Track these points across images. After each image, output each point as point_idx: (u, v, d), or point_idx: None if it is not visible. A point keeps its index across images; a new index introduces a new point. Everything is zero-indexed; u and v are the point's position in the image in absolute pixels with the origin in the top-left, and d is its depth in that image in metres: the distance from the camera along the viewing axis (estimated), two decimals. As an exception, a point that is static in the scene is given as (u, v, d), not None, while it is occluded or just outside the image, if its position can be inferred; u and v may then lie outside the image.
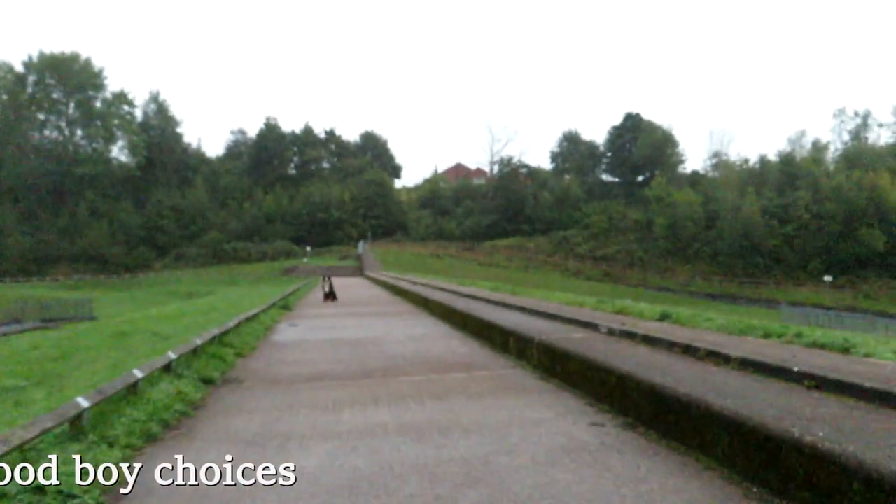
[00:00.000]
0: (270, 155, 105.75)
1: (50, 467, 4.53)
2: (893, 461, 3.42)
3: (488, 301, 16.45)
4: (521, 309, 13.70)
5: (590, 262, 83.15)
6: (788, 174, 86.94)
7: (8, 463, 4.46)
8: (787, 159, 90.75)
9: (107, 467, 4.87)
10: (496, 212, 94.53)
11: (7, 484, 4.26)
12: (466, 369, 9.44)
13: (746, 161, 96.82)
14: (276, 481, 4.78)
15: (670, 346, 7.39)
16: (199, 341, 10.23)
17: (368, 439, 5.89)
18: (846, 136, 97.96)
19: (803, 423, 4.18)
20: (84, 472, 4.63)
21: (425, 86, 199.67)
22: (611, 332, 9.06)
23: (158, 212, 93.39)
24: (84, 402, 5.82)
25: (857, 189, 75.44)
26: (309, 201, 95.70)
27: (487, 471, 4.88)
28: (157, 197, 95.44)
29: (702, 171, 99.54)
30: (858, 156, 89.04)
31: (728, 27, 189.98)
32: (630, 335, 8.47)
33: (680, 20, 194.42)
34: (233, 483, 4.81)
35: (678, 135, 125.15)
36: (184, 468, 5.11)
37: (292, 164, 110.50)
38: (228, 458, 5.38)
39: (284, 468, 4.96)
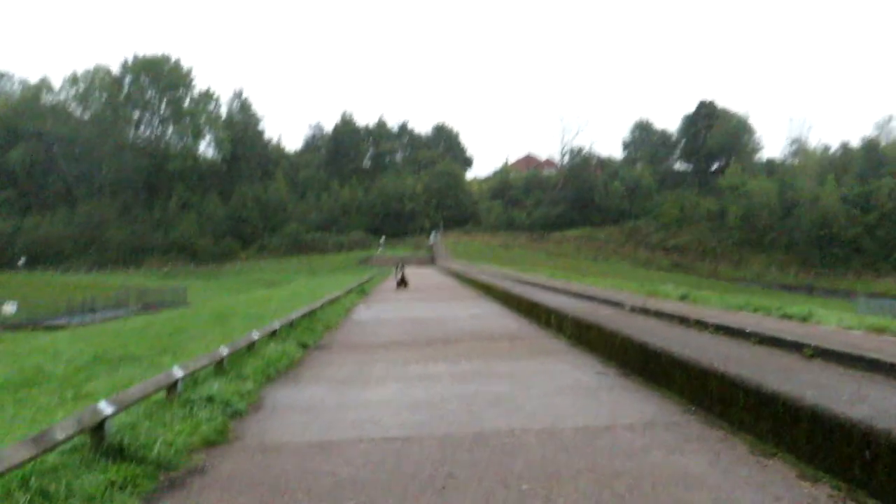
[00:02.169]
0: (346, 148, 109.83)
1: (213, 388, 6.80)
2: (767, 377, 5.18)
3: (543, 287, 18.28)
4: (568, 293, 15.50)
5: (660, 252, 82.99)
6: (872, 161, 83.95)
7: (185, 385, 6.74)
8: (870, 145, 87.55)
9: (248, 390, 7.13)
10: (566, 202, 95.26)
11: (189, 396, 6.51)
12: (511, 339, 11.40)
13: (827, 148, 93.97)
14: (362, 401, 6.90)
15: (671, 318, 9.15)
16: (294, 315, 12.58)
17: (427, 381, 7.95)
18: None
19: (726, 362, 5.95)
20: (234, 391, 6.86)
21: (497, 77, 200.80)
22: (632, 310, 10.83)
23: (242, 204, 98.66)
24: (224, 350, 8.13)
25: (945, 175, 72.41)
26: (383, 193, 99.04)
27: (508, 399, 6.85)
28: (241, 190, 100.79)
29: (779, 159, 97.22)
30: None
31: (809, 8, 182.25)
32: (645, 311, 10.23)
33: (756, 3, 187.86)
34: (333, 403, 6.95)
35: (755, 122, 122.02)
36: (297, 394, 7.32)
37: (367, 157, 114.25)
38: (327, 390, 7.55)
39: (366, 395, 7.09)
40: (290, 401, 7.11)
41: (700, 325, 8.27)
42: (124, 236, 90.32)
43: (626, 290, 14.72)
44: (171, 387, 6.44)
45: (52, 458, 4.44)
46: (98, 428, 4.79)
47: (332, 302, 17.61)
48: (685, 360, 6.34)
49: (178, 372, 6.59)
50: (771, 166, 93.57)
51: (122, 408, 5.21)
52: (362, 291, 25.30)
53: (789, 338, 6.40)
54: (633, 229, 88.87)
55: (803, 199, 78.45)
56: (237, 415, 6.36)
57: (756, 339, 6.92)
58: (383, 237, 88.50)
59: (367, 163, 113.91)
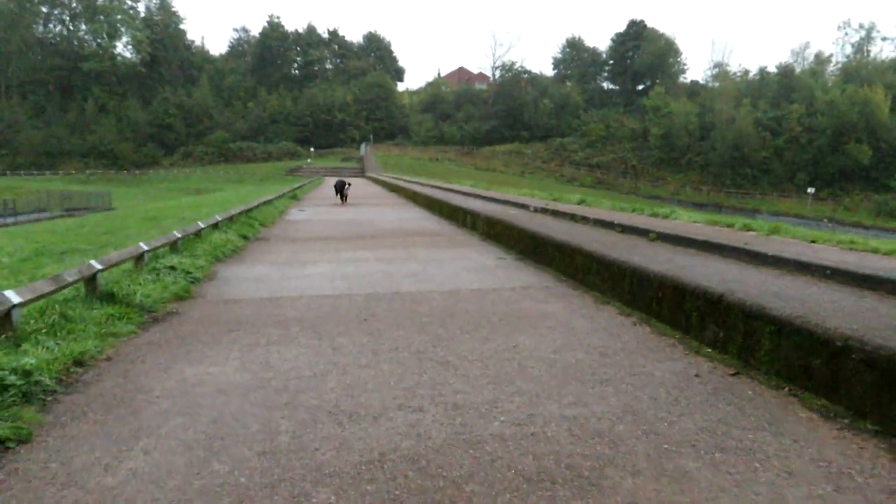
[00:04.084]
0: (274, 55, 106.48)
1: (173, 260, 8.07)
2: (615, 252, 6.86)
3: (464, 194, 19.83)
4: (485, 198, 17.10)
5: (585, 169, 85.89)
6: (786, 87, 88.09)
7: (150, 258, 7.98)
8: (786, 71, 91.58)
9: (201, 265, 8.43)
10: (496, 117, 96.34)
11: (154, 265, 7.76)
12: (431, 235, 12.95)
13: (746, 73, 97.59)
14: (301, 275, 8.33)
15: (563, 216, 10.84)
16: (234, 211, 13.71)
17: (356, 262, 9.41)
18: (849, 50, 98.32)
19: (590, 243, 7.64)
20: (191, 265, 8.15)
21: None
22: (535, 210, 12.50)
23: (165, 110, 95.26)
24: (178, 234, 9.33)
25: (849, 104, 77.11)
26: (312, 103, 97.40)
27: (422, 273, 8.40)
28: (163, 95, 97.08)
29: (702, 82, 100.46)
30: (857, 70, 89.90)
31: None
32: (544, 211, 11.90)
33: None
34: (276, 276, 8.35)
35: (681, 44, 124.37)
36: (244, 270, 8.67)
37: (295, 65, 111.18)
38: (271, 268, 8.92)
39: (305, 271, 8.51)
40: (239, 274, 8.46)
41: (583, 220, 9.98)
42: (39, 139, 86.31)
43: (536, 197, 16.43)
44: (139, 258, 7.67)
45: (61, 297, 5.71)
46: (92, 279, 6.05)
47: (266, 203, 18.67)
48: (561, 242, 8.00)
49: (144, 246, 7.81)
50: (693, 88, 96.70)
51: (107, 266, 6.46)
52: (294, 197, 26.29)
53: (642, 226, 8.14)
54: (560, 146, 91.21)
55: (720, 121, 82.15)
56: (196, 281, 7.68)
57: (619, 228, 8.66)
58: (312, 149, 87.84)
59: (295, 71, 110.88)
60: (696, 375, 4.19)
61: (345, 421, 3.50)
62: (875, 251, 5.90)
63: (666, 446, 3.14)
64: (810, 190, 70.26)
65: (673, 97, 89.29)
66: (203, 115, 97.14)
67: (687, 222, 9.03)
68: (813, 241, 6.65)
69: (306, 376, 4.26)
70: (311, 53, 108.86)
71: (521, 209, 13.13)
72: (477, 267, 8.95)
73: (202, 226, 10.85)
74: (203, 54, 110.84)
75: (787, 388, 3.84)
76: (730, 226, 8.24)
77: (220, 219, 12.24)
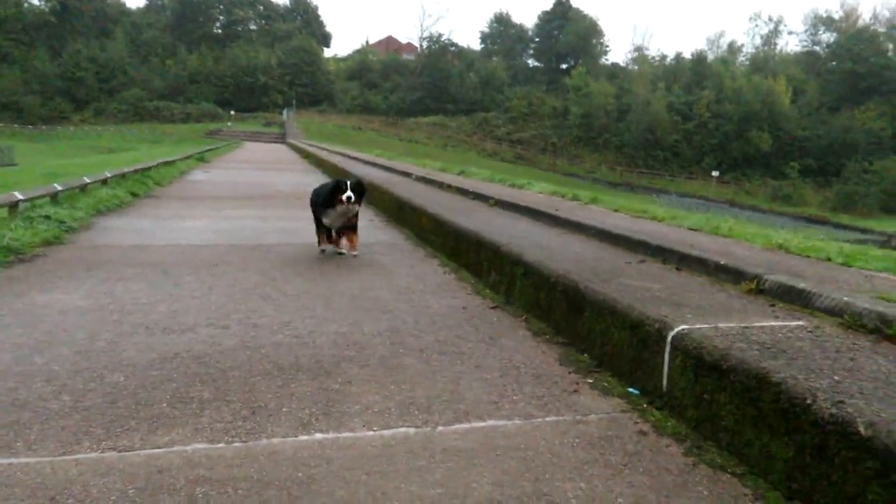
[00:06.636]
0: (195, 11, 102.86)
1: (50, 211, 8.57)
2: (455, 216, 7.85)
3: (366, 162, 20.60)
4: (382, 167, 17.93)
5: (506, 144, 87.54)
6: (699, 74, 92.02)
7: (26, 208, 8.46)
8: (699, 59, 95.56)
9: (80, 217, 8.95)
10: (422, 89, 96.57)
11: (30, 214, 8.26)
12: (319, 198, 13.71)
13: (664, 58, 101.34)
14: (177, 227, 8.99)
15: (436, 184, 11.82)
16: (126, 169, 14.04)
17: (234, 219, 10.11)
18: (758, 41, 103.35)
19: (439, 208, 8.61)
20: (68, 216, 8.67)
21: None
22: (416, 179, 13.44)
23: (76, 63, 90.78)
24: (58, 186, 9.77)
25: (754, 93, 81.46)
26: (234, 64, 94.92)
27: (293, 230, 9.20)
28: (75, 47, 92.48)
29: (623, 64, 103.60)
30: (765, 61, 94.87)
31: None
32: (423, 179, 12.86)
33: None
34: (152, 227, 8.97)
35: (604, 26, 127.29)
36: (123, 223, 9.25)
37: (218, 24, 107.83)
38: (150, 221, 9.52)
39: (182, 225, 9.17)
40: (116, 225, 9.04)
41: (448, 187, 10.99)
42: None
43: (427, 167, 17.39)
44: (14, 206, 8.16)
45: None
46: (-39, 222, 6.58)
47: (167, 164, 18.88)
48: (415, 206, 8.96)
49: (18, 195, 8.29)
50: (613, 71, 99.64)
51: (-23, 211, 6.98)
52: (202, 159, 26.34)
53: (487, 193, 9.20)
54: (483, 121, 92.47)
55: (636, 104, 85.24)
56: (71, 230, 8.24)
57: (472, 195, 9.70)
58: (232, 111, 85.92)
59: (218, 30, 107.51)
60: (464, 308, 5.22)
61: (158, 333, 4.32)
62: (653, 219, 7.10)
63: (401, 350, 4.12)
64: (714, 173, 74.19)
65: (594, 78, 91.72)
66: (118, 70, 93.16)
67: (534, 192, 10.16)
68: (616, 210, 7.84)
69: (141, 303, 5.05)
70: (234, 13, 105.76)
71: (404, 177, 14.04)
72: (345, 227, 9.82)
73: (87, 180, 11.24)
74: (119, 6, 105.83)
75: (524, 317, 4.90)
76: (563, 196, 9.40)
77: (109, 175, 12.60)
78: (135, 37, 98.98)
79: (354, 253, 7.07)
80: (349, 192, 6.53)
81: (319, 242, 7.40)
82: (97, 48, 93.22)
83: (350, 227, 7.06)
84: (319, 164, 24.86)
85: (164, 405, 3.18)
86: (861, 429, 2.25)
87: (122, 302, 5.05)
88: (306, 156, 34.24)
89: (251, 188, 15.67)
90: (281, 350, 4.05)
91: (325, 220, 6.94)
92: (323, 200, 6.78)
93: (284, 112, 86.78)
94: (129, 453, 2.70)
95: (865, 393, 2.49)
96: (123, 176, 13.60)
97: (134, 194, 12.68)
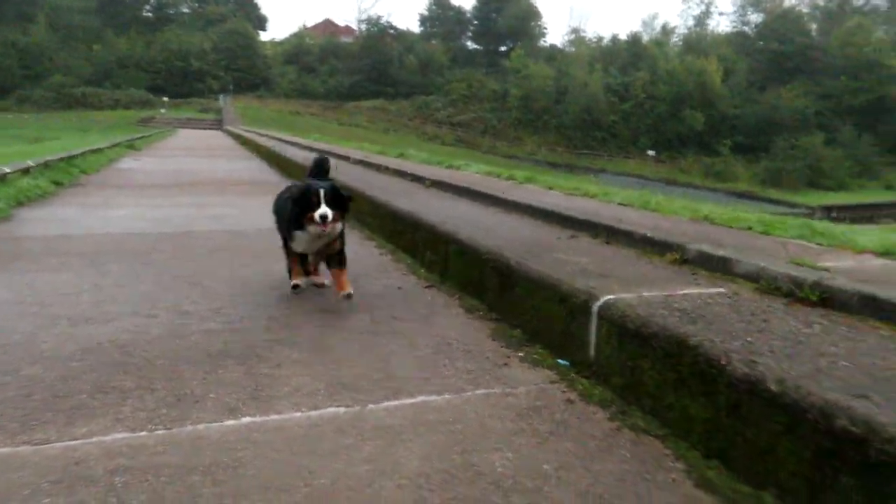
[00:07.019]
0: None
1: (-36, 203, 8.15)
2: (395, 198, 7.81)
3: (304, 147, 20.27)
4: (321, 152, 17.66)
5: (447, 127, 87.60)
6: (634, 55, 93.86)
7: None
8: (635, 39, 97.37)
9: (1, 208, 8.54)
10: (361, 73, 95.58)
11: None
12: (255, 184, 13.45)
13: (601, 39, 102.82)
14: (103, 216, 8.67)
15: (374, 167, 11.74)
16: (49, 157, 13.46)
17: (164, 207, 9.82)
18: (691, 22, 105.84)
19: (372, 189, 8.55)
20: (-15, 207, 8.27)
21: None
22: (354, 162, 13.32)
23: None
24: (-25, 177, 9.28)
25: (687, 73, 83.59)
26: (166, 48, 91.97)
27: (223, 216, 9.00)
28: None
29: (560, 46, 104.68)
30: (697, 42, 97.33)
31: None
32: (362, 163, 12.76)
33: None
34: (77, 216, 8.64)
35: (542, 8, 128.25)
36: (47, 213, 8.87)
37: (148, 7, 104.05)
38: (75, 210, 9.15)
39: (109, 213, 8.85)
40: (39, 215, 8.66)
41: (388, 170, 10.93)
42: None
43: (365, 151, 17.25)
44: (-75, 199, 7.72)
45: None
46: None
47: (94, 152, 18.19)
48: (354, 189, 8.87)
49: (-70, 187, 7.85)
50: (551, 52, 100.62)
51: None
52: (132, 147, 25.47)
53: (424, 175, 9.20)
54: (424, 104, 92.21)
55: (574, 85, 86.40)
56: (-12, 223, 7.86)
57: (410, 177, 9.67)
58: (165, 98, 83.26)
59: (148, 13, 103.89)
60: (399, 288, 5.21)
61: (80, 323, 4.17)
62: (585, 196, 7.23)
63: (334, 332, 4.09)
64: (650, 152, 76.10)
65: (533, 60, 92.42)
66: (41, 56, 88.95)
67: (470, 173, 10.20)
68: (550, 189, 7.95)
69: (64, 294, 4.86)
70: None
71: (343, 161, 13.88)
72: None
73: (7, 170, 10.73)
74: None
75: (458, 295, 4.93)
76: (499, 176, 9.48)
77: (32, 164, 12.05)
78: (59, 21, 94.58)
79: (346, 292, 4.48)
80: (324, 209, 4.14)
81: (291, 275, 4.91)
82: (18, 33, 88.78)
83: (333, 256, 4.61)
84: (257, 150, 24.36)
85: (84, 396, 3.07)
86: (771, 386, 2.35)
87: (43, 293, 4.85)
88: (244, 142, 33.51)
89: (184, 175, 15.24)
90: (210, 337, 3.96)
91: (295, 247, 4.62)
92: (290, 217, 4.46)
93: (220, 98, 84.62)
94: (45, 446, 2.60)
95: (776, 352, 2.59)
96: (47, 165, 13.02)
97: (58, 183, 12.15)
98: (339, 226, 4.38)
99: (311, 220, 4.19)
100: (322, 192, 4.19)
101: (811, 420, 2.16)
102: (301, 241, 4.48)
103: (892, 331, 2.89)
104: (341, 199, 4.35)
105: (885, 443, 1.93)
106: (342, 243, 4.59)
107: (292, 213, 4.37)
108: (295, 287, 4.83)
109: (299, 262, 4.83)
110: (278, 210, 4.98)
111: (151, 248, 6.72)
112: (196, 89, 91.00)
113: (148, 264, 5.94)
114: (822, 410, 2.14)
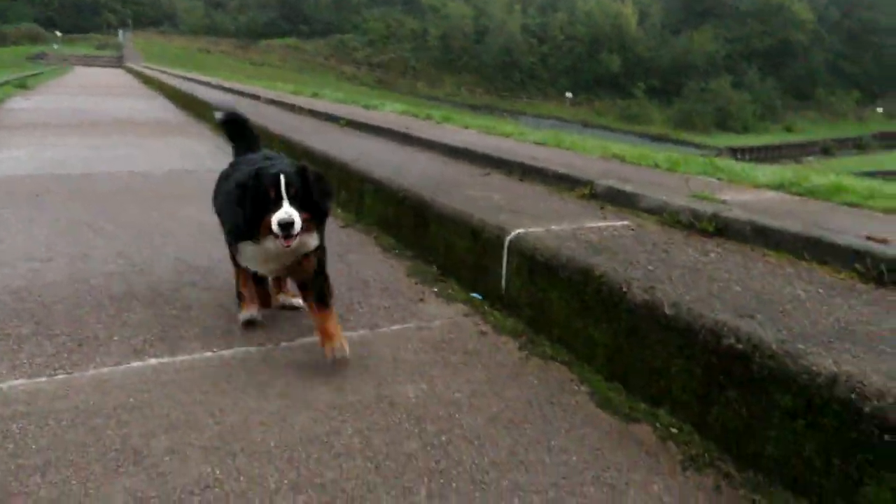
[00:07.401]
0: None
1: None
2: (309, 137, 7.59)
3: (212, 86, 19.38)
4: (230, 90, 16.95)
5: (365, 68, 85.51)
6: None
7: None
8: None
9: None
10: (274, 9, 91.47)
11: None
12: (161, 124, 12.81)
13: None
14: (-10, 159, 8.08)
15: (286, 106, 11.36)
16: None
17: (61, 147, 9.22)
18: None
19: (287, 130, 8.30)
20: None
21: None
22: (266, 101, 12.85)
23: None
24: None
25: (603, 16, 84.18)
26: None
27: (127, 157, 8.55)
28: None
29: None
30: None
31: None
32: (274, 102, 12.32)
33: None
34: (-40, 160, 8.00)
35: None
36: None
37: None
38: (-43, 152, 8.47)
39: (0, 153, 8.25)
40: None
41: (301, 110, 10.63)
42: None
43: (278, 91, 16.65)
44: None
45: None
46: None
47: (-21, 91, 16.78)
48: (264, 128, 8.58)
49: None
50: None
51: None
52: (23, 86, 23.61)
53: (338, 114, 8.99)
54: (340, 43, 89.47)
55: (493, 26, 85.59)
56: None
57: (324, 117, 9.44)
58: (59, 33, 77.29)
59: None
60: (313, 228, 5.13)
61: (-32, 272, 3.91)
62: (501, 135, 7.26)
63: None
64: (568, 95, 76.93)
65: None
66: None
67: (387, 112, 10.04)
68: (466, 128, 7.94)
69: (-53, 241, 4.53)
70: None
71: (253, 100, 13.38)
72: (188, 153, 9.25)
73: None
74: None
75: (374, 234, 4.90)
76: (416, 116, 9.38)
77: None
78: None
79: (334, 351, 2.75)
80: (286, 210, 2.53)
81: (240, 302, 3.25)
82: None
83: (308, 281, 2.91)
84: (160, 88, 23.10)
85: (-26, 345, 2.91)
86: (667, 310, 2.47)
87: (-77, 240, 4.51)
88: (146, 80, 31.67)
89: (81, 115, 14.30)
90: (113, 280, 3.81)
91: (246, 264, 3.00)
92: (233, 220, 2.88)
93: (120, 33, 79.33)
94: (-68, 396, 2.46)
95: (674, 280, 2.72)
96: (-77, 104, 11.94)
97: (-62, 125, 11.21)
98: (312, 239, 2.77)
99: (267, 228, 2.58)
100: (283, 180, 2.57)
101: (701, 340, 2.29)
102: (251, 257, 2.87)
103: (780, 258, 3.08)
104: (315, 192, 2.70)
105: (767, 358, 2.07)
106: (321, 262, 2.92)
107: (235, 214, 2.74)
108: (247, 323, 3.17)
109: (251, 283, 3.25)
110: (220, 205, 3.20)
111: (46, 190, 6.32)
112: (94, 24, 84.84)
113: (42, 208, 5.60)
114: (711, 330, 2.27)
